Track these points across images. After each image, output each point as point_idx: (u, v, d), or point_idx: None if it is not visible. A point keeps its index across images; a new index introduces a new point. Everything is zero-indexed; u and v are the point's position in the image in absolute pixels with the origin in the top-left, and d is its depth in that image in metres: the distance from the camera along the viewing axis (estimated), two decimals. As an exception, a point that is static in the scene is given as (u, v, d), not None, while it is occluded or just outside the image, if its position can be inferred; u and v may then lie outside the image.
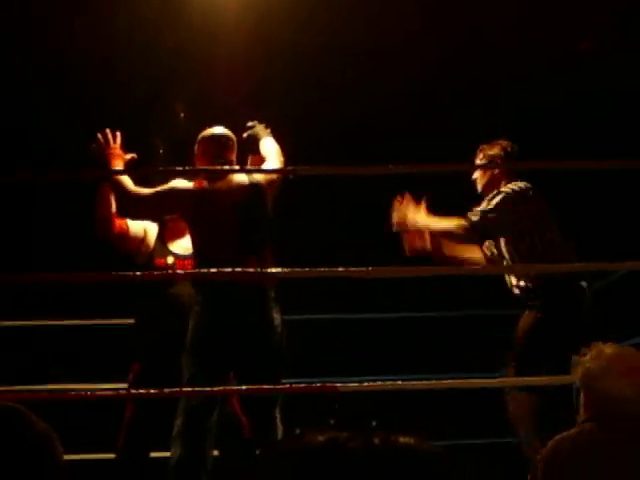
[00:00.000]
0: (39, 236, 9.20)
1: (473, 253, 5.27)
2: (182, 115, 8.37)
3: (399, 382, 4.56)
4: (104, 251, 5.23)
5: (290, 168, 4.93)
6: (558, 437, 3.21)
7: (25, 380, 5.54)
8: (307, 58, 7.60)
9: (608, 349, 3.20)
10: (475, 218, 5.00)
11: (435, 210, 5.16)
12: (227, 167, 4.81)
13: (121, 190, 4.73)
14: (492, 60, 7.89)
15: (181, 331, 4.62)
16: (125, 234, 5.07)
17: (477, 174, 5.27)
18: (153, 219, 5.13)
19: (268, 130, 5.09)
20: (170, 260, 5.07)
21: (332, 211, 9.10)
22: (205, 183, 4.73)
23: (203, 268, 4.52)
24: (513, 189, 5.04)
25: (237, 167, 4.90)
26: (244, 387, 4.31)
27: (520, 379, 4.73)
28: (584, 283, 4.98)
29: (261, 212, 4.76)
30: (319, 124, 8.23)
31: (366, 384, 4.43)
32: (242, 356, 4.56)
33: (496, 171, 5.20)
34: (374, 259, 4.30)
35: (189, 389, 4.42)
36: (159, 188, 4.73)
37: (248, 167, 4.99)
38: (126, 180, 4.73)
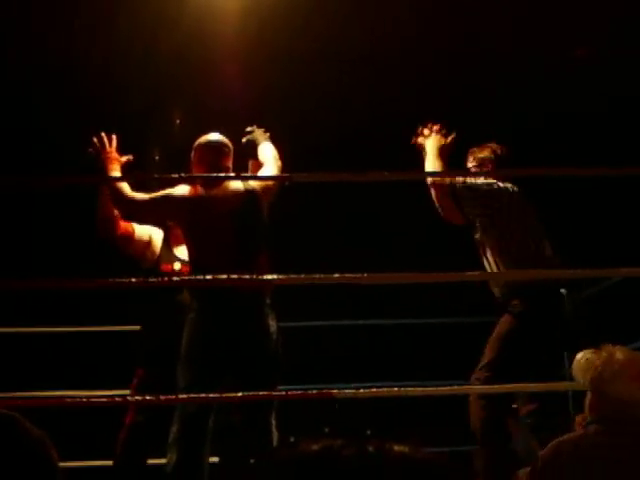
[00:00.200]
0: (38, 241, 9.19)
1: None
2: (178, 122, 8.37)
3: (395, 389, 4.56)
4: (107, 256, 5.23)
5: (286, 175, 4.94)
6: (559, 439, 3.21)
7: (21, 386, 5.53)
8: (304, 64, 7.61)
9: (619, 353, 3.22)
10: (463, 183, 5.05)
11: (431, 217, 5.17)
12: (222, 174, 4.81)
13: (117, 195, 4.72)
14: (488, 66, 7.90)
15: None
16: (130, 236, 5.06)
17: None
18: (148, 224, 5.13)
19: (267, 135, 5.09)
20: (177, 266, 5.07)
21: (328, 217, 9.11)
22: (201, 190, 4.73)
23: (199, 275, 4.51)
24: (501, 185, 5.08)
25: (233, 174, 4.90)
26: (240, 394, 4.31)
27: (516, 385, 4.73)
28: (563, 290, 5.01)
29: (257, 219, 4.76)
30: (315, 130, 8.23)
31: (362, 391, 4.42)
32: (238, 363, 4.56)
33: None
34: (370, 265, 4.30)
35: (185, 396, 4.42)
36: (155, 194, 4.73)
37: (244, 174, 4.99)
38: (123, 185, 4.73)
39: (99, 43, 7.45)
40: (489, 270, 5.04)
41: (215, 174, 4.81)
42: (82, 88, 7.96)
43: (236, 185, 4.77)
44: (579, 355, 4.60)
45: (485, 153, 5.21)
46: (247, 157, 5.07)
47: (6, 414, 1.99)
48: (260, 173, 4.93)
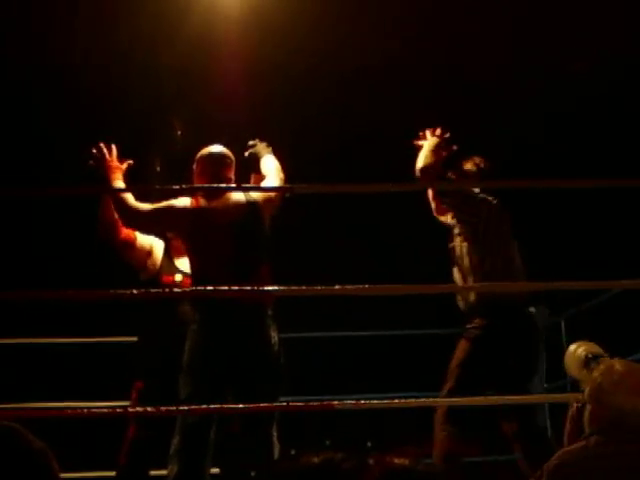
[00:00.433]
0: (38, 250, 9.20)
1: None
2: (179, 133, 8.38)
3: (396, 400, 4.56)
4: (107, 268, 5.23)
5: (287, 186, 4.94)
6: (562, 451, 3.22)
7: (22, 398, 5.53)
8: (301, 78, 7.63)
9: (618, 364, 3.24)
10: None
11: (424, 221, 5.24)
12: (224, 185, 4.82)
13: (121, 205, 4.73)
14: (486, 80, 7.92)
15: (184, 349, 4.61)
16: (132, 242, 5.05)
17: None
18: (150, 234, 5.13)
19: (269, 149, 5.09)
20: (178, 277, 5.06)
21: (329, 229, 9.11)
22: (203, 201, 4.73)
23: (200, 286, 4.52)
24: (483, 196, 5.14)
25: (234, 185, 4.91)
26: (241, 405, 4.30)
27: (516, 397, 4.73)
28: (532, 309, 5.05)
29: (258, 230, 4.77)
30: (314, 142, 8.25)
31: (363, 402, 4.42)
32: (240, 375, 4.56)
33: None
34: (371, 276, 4.30)
35: (186, 407, 4.42)
36: (157, 205, 4.73)
37: (245, 185, 4.99)
38: (126, 195, 4.74)
39: (101, 55, 7.48)
40: (458, 280, 5.10)
41: (216, 185, 4.82)
42: (84, 98, 7.98)
43: (238, 197, 4.78)
44: (572, 346, 4.62)
45: (468, 166, 5.28)
46: (250, 170, 5.08)
47: (8, 425, 1.99)
48: (262, 185, 4.94)
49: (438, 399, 4.92)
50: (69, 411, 5.13)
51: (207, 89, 7.85)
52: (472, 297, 5.02)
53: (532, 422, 5.01)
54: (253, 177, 5.06)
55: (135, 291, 4.21)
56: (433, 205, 5.38)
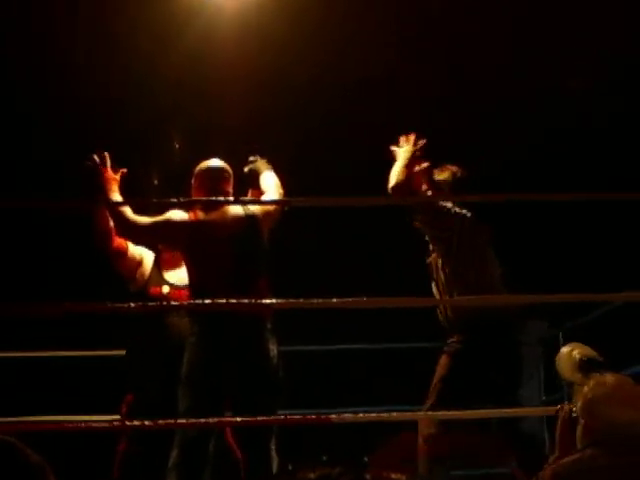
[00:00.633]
0: (29, 265, 9.18)
1: None
2: (177, 146, 8.39)
3: (394, 414, 4.55)
4: (98, 281, 5.22)
5: (285, 199, 4.95)
6: (556, 463, 3.22)
7: (19, 411, 5.51)
8: (301, 90, 7.63)
9: (609, 377, 3.26)
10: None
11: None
12: (222, 198, 4.82)
13: (119, 217, 4.74)
14: (484, 94, 7.94)
15: (175, 362, 4.60)
16: (124, 253, 5.05)
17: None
18: (147, 247, 5.13)
19: (269, 165, 5.10)
20: (165, 289, 5.06)
21: (327, 241, 9.11)
22: (201, 215, 4.74)
23: (199, 299, 4.51)
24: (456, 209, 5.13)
25: (232, 198, 4.91)
26: (239, 419, 4.30)
27: (517, 410, 4.74)
28: (512, 323, 5.06)
29: (257, 244, 4.77)
30: (316, 154, 8.25)
31: (362, 415, 4.41)
32: (238, 388, 4.55)
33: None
34: (369, 289, 4.30)
35: (184, 421, 4.41)
36: (156, 218, 4.74)
37: (243, 198, 4.99)
38: (124, 207, 4.75)
39: (99, 68, 7.49)
40: (436, 296, 5.11)
41: (214, 198, 4.82)
42: (82, 112, 7.99)
43: (236, 210, 4.78)
44: (565, 349, 4.62)
45: (444, 175, 5.27)
46: (249, 186, 5.09)
47: (5, 440, 1.99)
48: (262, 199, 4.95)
49: (435, 412, 4.91)
50: (67, 425, 5.11)
51: (207, 101, 7.85)
52: (450, 312, 5.02)
53: (525, 431, 5.01)
54: (251, 193, 5.06)
55: (132, 304, 4.21)
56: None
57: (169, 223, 4.73)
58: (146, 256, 5.13)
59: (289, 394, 4.88)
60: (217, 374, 4.53)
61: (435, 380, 4.95)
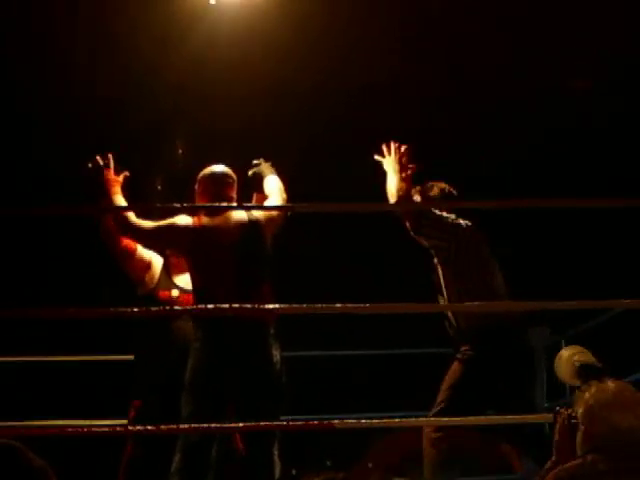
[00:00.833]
0: (35, 269, 9.18)
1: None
2: (180, 151, 8.39)
3: (397, 420, 4.55)
4: (104, 285, 5.23)
5: (288, 205, 4.95)
6: (558, 468, 3.21)
7: (22, 416, 5.52)
8: (305, 95, 7.64)
9: (610, 383, 3.26)
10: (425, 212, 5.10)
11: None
12: (225, 204, 4.82)
13: (121, 221, 4.75)
14: (486, 96, 7.94)
15: (182, 367, 4.61)
16: (132, 253, 5.04)
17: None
18: (150, 250, 5.13)
19: (273, 169, 5.11)
20: (175, 293, 5.05)
21: (330, 247, 9.11)
22: (204, 220, 4.74)
23: (202, 305, 4.52)
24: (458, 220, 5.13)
25: (235, 204, 4.91)
26: (242, 424, 4.30)
27: (520, 417, 4.73)
28: (524, 329, 5.07)
29: (260, 250, 4.77)
30: (318, 160, 8.26)
31: (364, 421, 4.40)
32: (241, 393, 4.55)
33: None
34: (371, 295, 4.30)
35: (186, 426, 4.41)
36: (159, 222, 4.75)
37: (247, 204, 5.00)
38: (126, 210, 4.76)
39: (102, 72, 7.49)
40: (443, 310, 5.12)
41: (218, 204, 4.83)
42: (84, 116, 7.99)
43: (240, 216, 4.79)
44: (564, 352, 4.61)
45: (433, 192, 5.29)
46: (252, 190, 5.09)
47: (8, 444, 1.99)
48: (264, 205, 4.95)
49: (439, 419, 4.91)
50: (70, 429, 5.11)
51: (210, 106, 7.85)
52: (462, 323, 5.02)
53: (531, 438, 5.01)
54: (255, 197, 5.07)
55: (136, 309, 4.21)
56: (407, 226, 5.34)
57: (172, 228, 4.74)
58: (155, 259, 5.13)
59: (292, 399, 4.88)
60: (220, 379, 4.53)
61: (445, 386, 4.95)
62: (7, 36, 7.21)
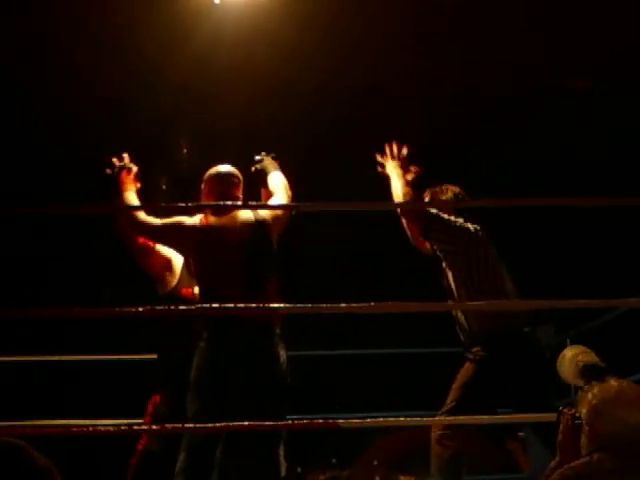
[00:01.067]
0: (35, 269, 9.19)
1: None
2: (185, 151, 8.40)
3: (402, 418, 4.54)
4: (104, 285, 5.23)
5: (293, 204, 4.95)
6: (563, 468, 3.21)
7: (27, 415, 5.52)
8: (310, 95, 7.64)
9: (613, 381, 3.26)
10: (431, 210, 5.07)
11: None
12: (230, 203, 4.82)
13: (131, 219, 4.77)
14: (487, 98, 7.94)
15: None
16: (150, 250, 5.04)
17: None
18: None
19: (276, 164, 5.10)
20: (197, 290, 5.06)
21: (336, 246, 9.11)
22: (211, 220, 4.75)
23: (207, 304, 4.52)
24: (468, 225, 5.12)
25: (240, 203, 4.91)
26: (247, 423, 4.30)
27: (524, 415, 4.73)
28: (533, 329, 5.06)
29: (266, 249, 4.77)
30: (322, 159, 8.26)
31: (369, 420, 4.40)
32: (247, 393, 4.55)
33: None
34: (377, 294, 4.29)
35: (191, 425, 4.41)
36: (166, 220, 4.76)
37: (251, 203, 4.99)
38: (135, 208, 4.79)
39: (105, 72, 7.49)
40: (454, 314, 5.10)
41: (223, 203, 4.83)
42: (89, 115, 8.00)
43: (246, 215, 4.79)
44: (568, 352, 4.60)
45: (447, 196, 5.26)
46: (256, 185, 5.09)
47: (13, 443, 1.99)
48: (270, 203, 4.95)
49: (445, 417, 4.90)
50: (75, 428, 5.12)
51: (215, 106, 7.86)
52: (474, 325, 5.01)
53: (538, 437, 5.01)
54: (263, 192, 5.07)
55: (141, 309, 4.21)
56: (409, 233, 5.35)
57: (179, 227, 4.75)
58: (175, 257, 5.12)
59: (298, 399, 4.88)
60: (226, 379, 4.53)
61: (456, 385, 4.95)
62: (9, 36, 7.22)
